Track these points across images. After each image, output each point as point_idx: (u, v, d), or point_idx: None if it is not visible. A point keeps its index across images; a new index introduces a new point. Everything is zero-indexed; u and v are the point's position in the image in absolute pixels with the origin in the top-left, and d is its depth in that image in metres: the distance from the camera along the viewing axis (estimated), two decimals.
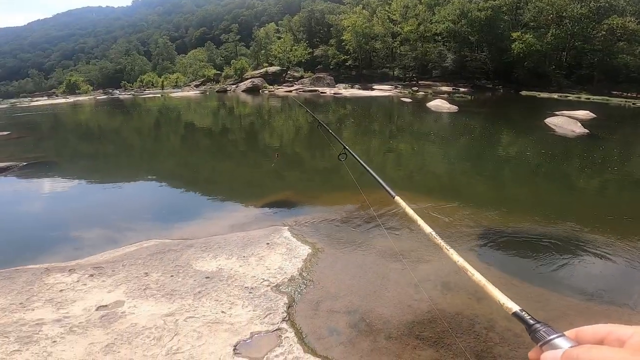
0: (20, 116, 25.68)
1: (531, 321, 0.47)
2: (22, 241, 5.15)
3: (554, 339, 0.41)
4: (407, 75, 45.85)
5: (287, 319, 2.97)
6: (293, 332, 2.81)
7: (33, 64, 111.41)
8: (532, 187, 7.69)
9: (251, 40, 65.80)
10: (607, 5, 35.68)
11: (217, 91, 44.20)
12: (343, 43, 48.02)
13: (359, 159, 1.58)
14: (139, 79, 70.33)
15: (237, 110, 27.63)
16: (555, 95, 32.42)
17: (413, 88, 38.30)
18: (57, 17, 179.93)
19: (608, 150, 10.94)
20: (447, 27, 41.62)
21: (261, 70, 50.29)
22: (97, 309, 3.06)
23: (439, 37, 43.94)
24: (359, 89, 39.11)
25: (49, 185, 8.04)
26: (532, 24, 39.21)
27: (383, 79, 45.64)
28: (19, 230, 5.63)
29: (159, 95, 45.20)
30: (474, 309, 3.06)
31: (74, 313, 3.00)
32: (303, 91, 37.98)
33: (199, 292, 3.32)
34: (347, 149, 1.88)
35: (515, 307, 0.52)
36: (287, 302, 3.20)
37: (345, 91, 36.81)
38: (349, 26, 45.90)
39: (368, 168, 1.39)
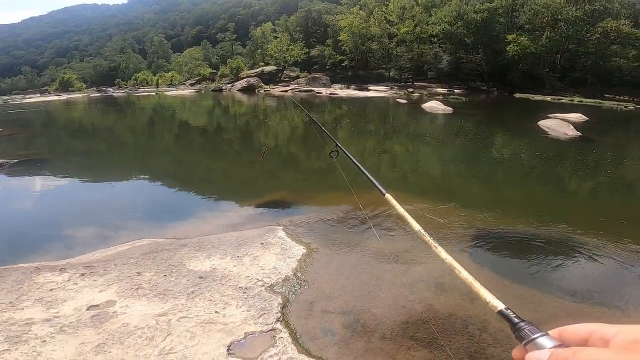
0: (12, 113, 25.35)
1: (516, 320, 0.47)
2: (13, 239, 5.09)
3: (537, 337, 0.41)
4: (402, 77, 45.96)
5: (281, 319, 2.96)
6: (287, 333, 2.80)
7: (26, 61, 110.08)
8: (526, 189, 7.75)
9: (247, 39, 65.58)
10: (602, 8, 36.00)
11: (213, 90, 44.03)
12: (339, 43, 48.02)
13: (350, 156, 1.57)
14: (133, 77, 69.77)
15: (232, 109, 27.53)
16: (548, 98, 32.70)
17: (408, 89, 38.42)
18: (52, 14, 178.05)
19: (601, 153, 11.06)
20: (443, 28, 41.79)
21: (257, 70, 50.16)
22: (88, 309, 3.02)
23: (435, 39, 44.09)
24: (355, 89, 39.16)
25: (40, 183, 7.94)
26: (527, 26, 39.47)
27: (379, 80, 45.72)
28: (10, 228, 5.56)
29: (154, 93, 44.90)
30: (467, 309, 3.07)
31: (64, 313, 2.96)
32: (299, 91, 37.95)
33: (193, 292, 3.30)
34: (339, 145, 1.86)
35: (500, 306, 0.51)
36: (281, 302, 3.19)
37: (341, 91, 36.84)
38: (345, 26, 45.91)
39: (359, 165, 1.39)
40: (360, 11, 48.18)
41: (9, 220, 5.95)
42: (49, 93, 56.59)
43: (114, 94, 48.67)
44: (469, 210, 5.74)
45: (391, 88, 39.83)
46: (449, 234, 4.82)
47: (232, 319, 2.92)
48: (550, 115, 17.23)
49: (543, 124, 15.31)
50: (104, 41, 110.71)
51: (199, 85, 54.35)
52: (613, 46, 36.06)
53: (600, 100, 31.91)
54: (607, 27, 34.58)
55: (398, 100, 29.77)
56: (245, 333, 2.76)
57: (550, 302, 3.40)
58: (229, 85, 45.92)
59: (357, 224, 5.05)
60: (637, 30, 35.35)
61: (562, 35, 36.74)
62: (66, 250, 4.49)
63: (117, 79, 70.13)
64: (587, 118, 17.86)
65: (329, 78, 44.05)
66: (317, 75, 45.40)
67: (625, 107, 29.85)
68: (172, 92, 45.46)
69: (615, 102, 31.84)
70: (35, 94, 56.43)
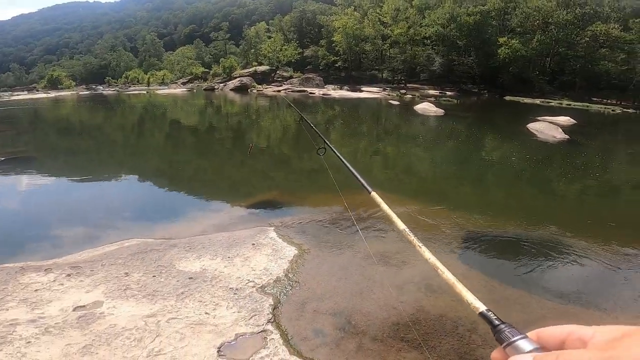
0: (0, 110, 24.85)
1: (496, 322, 0.47)
2: None
3: (517, 340, 0.41)
4: (395, 78, 46.22)
5: (272, 320, 2.95)
6: (278, 334, 2.79)
7: (15, 58, 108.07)
8: (516, 192, 7.85)
9: (241, 39, 65.23)
10: (592, 11, 36.56)
11: (205, 89, 43.72)
12: (333, 44, 48.08)
13: (337, 153, 1.56)
14: (124, 75, 68.95)
15: (224, 108, 27.37)
16: (537, 101, 33.16)
17: (401, 91, 38.64)
18: (43, 11, 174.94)
19: (589, 156, 11.25)
20: (436, 30, 42.12)
21: (250, 69, 49.96)
22: (74, 310, 2.97)
23: (428, 41, 44.42)
24: (348, 90, 39.23)
25: (27, 181, 7.79)
26: (518, 29, 39.96)
27: (372, 81, 45.89)
28: None
29: (145, 92, 44.43)
30: (457, 311, 3.09)
31: (49, 313, 2.91)
32: (292, 91, 37.89)
33: (182, 292, 3.26)
34: (326, 142, 1.85)
35: (482, 307, 0.51)
36: (272, 303, 3.17)
37: (334, 92, 36.89)
38: (339, 27, 45.97)
39: (346, 162, 1.38)
40: (355, 12, 48.31)
41: None
42: (37, 90, 55.65)
43: (104, 92, 48.06)
44: (459, 212, 5.79)
45: (384, 89, 39.99)
46: (439, 236, 4.86)
47: (222, 320, 2.89)
48: (539, 118, 17.48)
49: (532, 126, 15.52)
50: (95, 39, 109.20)
51: (191, 84, 53.95)
52: (602, 50, 36.65)
53: (588, 104, 32.44)
54: (597, 30, 35.14)
55: (391, 101, 29.91)
56: (236, 334, 2.74)
57: (538, 303, 3.44)
58: (222, 84, 45.63)
59: (349, 225, 5.05)
60: (626, 34, 36.01)
61: (552, 38, 37.25)
62: (52, 250, 4.41)
63: (107, 77, 69.22)
64: (575, 121, 18.16)
65: (322, 79, 44.05)
66: (310, 75, 45.37)
67: (612, 110, 30.43)
68: (164, 90, 45.00)
69: (602, 106, 32.42)
70: (23, 91, 55.39)
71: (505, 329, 0.44)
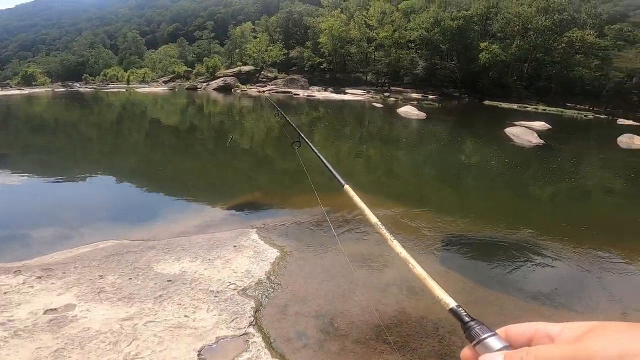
0: None
1: (466, 318, 0.46)
2: None
3: (486, 338, 0.41)
4: (379, 81, 46.69)
5: (254, 323, 2.91)
6: (260, 337, 2.76)
7: None
8: (494, 195, 8.04)
9: (226, 38, 64.36)
10: (569, 17, 37.94)
11: (187, 88, 42.99)
12: (319, 46, 48.14)
13: (311, 146, 1.56)
14: (102, 73, 66.99)
15: (207, 108, 26.99)
16: (515, 106, 34.13)
17: (385, 94, 39.08)
18: (20, 7, 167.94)
19: (563, 161, 11.65)
20: (420, 34, 42.79)
21: (234, 69, 49.42)
22: (44, 313, 2.86)
23: (412, 44, 45.09)
24: (332, 92, 39.38)
25: None
26: (499, 34, 41.06)
27: (356, 83, 46.20)
28: None
29: (124, 90, 43.31)
30: (438, 313, 3.13)
31: (19, 316, 2.78)
32: (276, 92, 37.72)
33: (160, 295, 3.18)
34: (301, 135, 1.83)
35: (452, 303, 0.50)
36: (254, 306, 3.13)
37: (319, 94, 36.96)
38: (326, 29, 46.10)
39: (320, 155, 1.38)
40: (341, 14, 48.57)
41: None
42: (11, 87, 53.33)
43: (81, 89, 46.52)
44: (440, 214, 5.89)
45: (368, 92, 40.36)
46: (420, 238, 4.92)
47: (202, 324, 2.83)
48: (515, 122, 18.00)
49: (509, 131, 15.96)
50: (73, 35, 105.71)
51: (172, 83, 52.88)
52: (577, 56, 38.02)
53: (562, 109, 33.66)
54: (573, 36, 36.41)
55: (374, 104, 30.20)
56: (216, 337, 2.69)
57: (514, 304, 3.53)
58: (204, 84, 44.97)
59: (333, 227, 5.05)
60: (601, 41, 37.54)
61: (530, 44, 38.41)
62: (22, 252, 4.22)
63: (85, 74, 67.06)
64: (550, 126, 18.80)
65: (307, 80, 44.08)
66: (295, 76, 45.32)
67: (585, 116, 31.67)
68: (144, 89, 43.95)
69: (576, 111, 33.70)
70: None
71: (475, 326, 0.44)
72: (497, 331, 0.42)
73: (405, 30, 44.04)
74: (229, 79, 42.71)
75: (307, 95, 35.26)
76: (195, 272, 3.62)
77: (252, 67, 49.93)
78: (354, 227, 5.06)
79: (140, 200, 6.72)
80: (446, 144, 14.07)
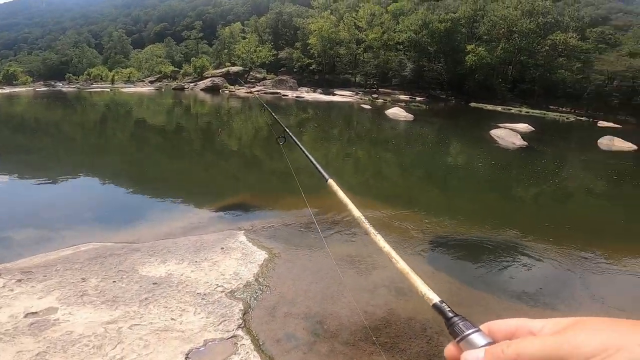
0: None
1: (450, 314, 0.46)
2: None
3: (470, 334, 0.41)
4: (368, 82, 46.98)
5: (243, 325, 2.88)
6: (249, 339, 2.73)
7: None
8: (480, 196, 8.17)
9: (214, 38, 63.70)
10: (553, 21, 38.90)
11: (174, 88, 42.47)
12: (308, 47, 48.12)
13: (296, 142, 1.55)
14: (86, 72, 65.62)
15: (194, 109, 26.69)
16: (499, 108, 34.82)
17: (373, 95, 39.35)
18: (2, 6, 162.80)
19: (546, 163, 11.92)
20: (409, 36, 43.23)
21: (223, 70, 49.01)
22: (25, 316, 2.78)
23: (401, 46, 45.53)
24: (321, 93, 39.45)
25: None
26: (485, 37, 41.84)
27: (345, 85, 46.38)
28: None
29: (108, 89, 42.50)
30: (426, 314, 3.15)
31: None
32: (265, 93, 37.55)
33: (146, 298, 3.12)
34: (287, 131, 1.81)
35: (435, 299, 0.50)
36: (242, 308, 3.10)
37: (308, 95, 36.97)
38: (315, 30, 46.15)
39: (304, 150, 1.37)
40: (331, 16, 48.68)
41: None
42: None
43: (63, 88, 45.50)
44: (427, 216, 5.95)
45: (356, 93, 40.57)
46: (408, 239, 4.96)
47: (190, 326, 2.79)
48: (500, 125, 18.36)
49: (494, 133, 16.26)
50: (57, 34, 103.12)
51: (159, 83, 52.15)
52: (560, 59, 38.97)
53: (545, 111, 34.45)
54: (556, 39, 37.33)
55: (363, 105, 30.37)
56: (204, 340, 2.66)
57: (499, 304, 3.59)
58: (192, 84, 44.51)
59: (321, 229, 5.05)
60: (583, 43, 38.56)
61: (515, 46, 39.24)
62: (2, 254, 4.09)
63: (68, 74, 65.52)
64: (533, 128, 19.23)
65: (295, 81, 44.05)
66: (284, 77, 45.24)
67: (566, 118, 32.50)
68: (130, 89, 43.23)
69: (558, 114, 34.54)
70: None
71: (459, 322, 0.43)
72: (481, 327, 0.42)
73: (394, 32, 44.42)
74: (217, 80, 42.36)
75: (296, 97, 35.23)
76: (181, 275, 3.56)
77: (240, 68, 49.61)
78: (343, 229, 5.06)
79: (124, 202, 6.58)
80: (434, 146, 14.24)
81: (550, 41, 37.80)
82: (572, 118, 32.74)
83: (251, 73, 49.29)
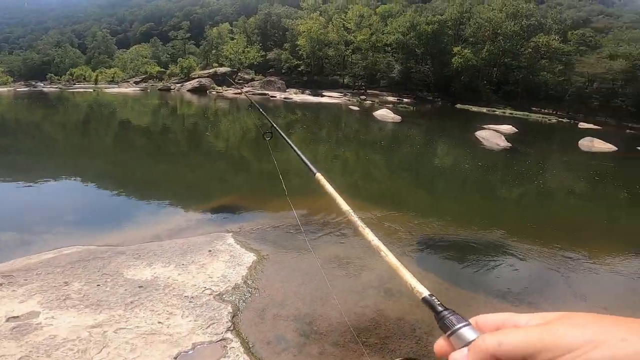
0: None
1: (439, 308, 0.45)
2: None
3: (460, 328, 0.41)
4: (356, 84, 47.23)
5: (232, 328, 2.85)
6: (239, 342, 2.70)
7: None
8: (467, 197, 8.30)
9: (202, 39, 62.98)
10: (536, 23, 39.82)
11: (160, 89, 41.81)
12: (297, 48, 48.10)
13: (284, 136, 1.54)
14: (68, 72, 64.11)
15: (180, 110, 26.37)
16: (484, 110, 35.47)
17: (361, 97, 39.58)
18: None
19: (530, 164, 12.19)
20: (397, 38, 43.65)
21: (210, 71, 48.52)
22: (7, 320, 2.71)
23: (389, 48, 45.93)
24: (310, 94, 39.45)
25: None
26: (471, 39, 42.60)
27: (333, 86, 46.51)
28: None
29: (92, 90, 41.61)
30: (415, 314, 3.18)
31: None
32: (253, 94, 37.32)
33: (132, 302, 3.06)
34: (274, 126, 1.79)
35: (425, 292, 0.49)
36: (231, 311, 3.07)
37: (296, 96, 36.92)
38: (304, 31, 46.16)
39: (292, 145, 1.36)
40: (320, 17, 48.77)
41: None
42: None
43: (45, 89, 44.35)
44: (415, 216, 6.00)
45: (345, 95, 40.71)
46: (397, 240, 4.99)
47: (177, 330, 2.75)
48: (485, 126, 18.70)
49: (479, 134, 16.55)
50: (39, 34, 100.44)
51: (144, 84, 51.32)
52: (542, 61, 39.92)
53: (528, 113, 35.23)
54: (539, 42, 38.22)
55: (351, 107, 30.49)
56: (193, 344, 2.62)
57: (485, 303, 3.64)
58: (179, 85, 43.92)
59: (309, 231, 5.04)
60: (564, 46, 39.55)
61: (500, 49, 40.06)
62: None
63: (50, 74, 63.92)
64: (516, 130, 19.65)
65: (284, 82, 43.97)
66: (272, 78, 45.10)
67: (548, 120, 33.32)
68: (114, 89, 42.38)
69: (540, 115, 35.38)
70: None
71: (449, 315, 0.43)
72: (470, 320, 0.42)
73: (382, 34, 44.81)
74: (204, 80, 41.93)
75: (284, 98, 35.15)
76: (168, 278, 3.51)
77: (228, 69, 49.22)
78: (333, 230, 5.06)
79: (109, 204, 6.44)
80: (421, 147, 14.40)
81: (533, 43, 38.70)
82: (554, 119, 33.56)
83: (239, 74, 48.96)
